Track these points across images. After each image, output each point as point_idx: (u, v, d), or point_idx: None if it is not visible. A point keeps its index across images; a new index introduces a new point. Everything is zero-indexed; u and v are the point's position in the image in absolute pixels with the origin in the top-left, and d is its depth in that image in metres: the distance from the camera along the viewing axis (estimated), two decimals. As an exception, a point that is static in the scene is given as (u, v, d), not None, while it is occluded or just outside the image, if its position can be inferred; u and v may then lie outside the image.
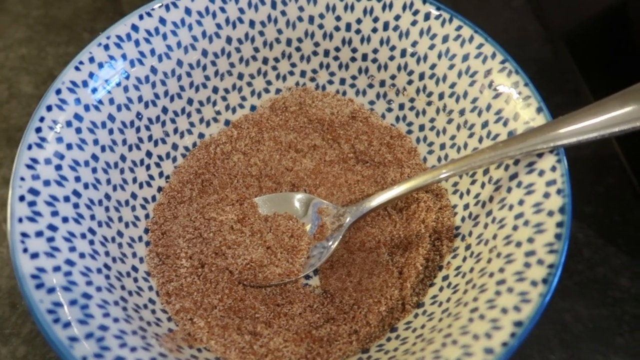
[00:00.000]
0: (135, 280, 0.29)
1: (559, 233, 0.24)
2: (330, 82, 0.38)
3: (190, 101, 0.36)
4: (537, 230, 0.25)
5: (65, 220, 0.26)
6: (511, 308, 0.22)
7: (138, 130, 0.33)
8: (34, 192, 0.25)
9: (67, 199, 0.27)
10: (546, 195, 0.25)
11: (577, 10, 0.51)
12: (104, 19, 0.52)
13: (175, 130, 0.36)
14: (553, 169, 0.26)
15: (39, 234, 0.24)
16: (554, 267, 0.23)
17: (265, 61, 0.37)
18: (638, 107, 0.25)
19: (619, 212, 0.39)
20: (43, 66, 0.48)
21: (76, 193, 0.28)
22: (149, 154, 0.34)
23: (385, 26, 0.34)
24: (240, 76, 0.37)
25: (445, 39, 0.32)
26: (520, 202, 0.27)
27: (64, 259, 0.25)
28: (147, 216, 0.33)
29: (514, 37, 0.50)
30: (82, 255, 0.26)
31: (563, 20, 0.50)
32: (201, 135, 0.37)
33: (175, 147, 0.36)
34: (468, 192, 0.32)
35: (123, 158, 0.32)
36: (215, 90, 0.37)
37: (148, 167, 0.34)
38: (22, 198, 0.25)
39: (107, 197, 0.30)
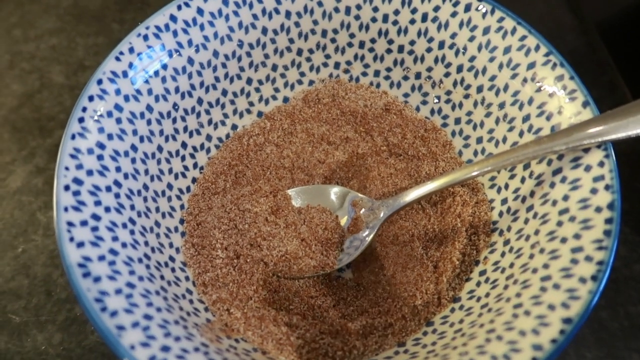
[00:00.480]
0: (173, 270, 0.30)
1: (608, 230, 0.23)
2: (364, 74, 0.38)
3: (224, 92, 0.36)
4: (584, 227, 0.24)
5: (107, 210, 0.26)
6: (559, 305, 0.22)
7: (174, 121, 0.33)
8: (78, 181, 0.26)
9: (108, 188, 0.27)
10: (593, 191, 0.25)
11: (612, 1, 0.50)
12: (132, 10, 0.52)
13: (210, 122, 0.36)
14: (601, 164, 0.25)
15: (84, 223, 0.25)
16: (604, 264, 0.22)
17: (299, 52, 0.37)
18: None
19: (657, 209, 0.38)
20: (73, 56, 0.48)
21: (117, 183, 0.28)
22: (184, 145, 0.34)
23: (424, 17, 0.34)
24: (274, 67, 0.37)
25: (486, 30, 0.32)
26: (565, 198, 0.26)
27: (107, 248, 0.25)
28: (182, 207, 0.33)
29: (548, 29, 0.49)
30: (124, 245, 0.26)
31: (598, 12, 0.49)
32: (234, 127, 0.37)
33: (209, 138, 0.36)
34: (507, 186, 0.32)
35: (160, 149, 0.32)
36: (249, 81, 0.37)
37: (183, 158, 0.34)
38: (67, 187, 0.25)
39: (145, 187, 0.30)
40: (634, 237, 0.38)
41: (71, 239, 0.24)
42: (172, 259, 0.30)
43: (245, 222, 0.33)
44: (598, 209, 0.24)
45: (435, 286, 0.31)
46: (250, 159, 0.36)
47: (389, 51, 0.36)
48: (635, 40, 0.47)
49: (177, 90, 0.32)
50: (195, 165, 0.35)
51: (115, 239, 0.26)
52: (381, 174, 0.36)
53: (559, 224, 0.26)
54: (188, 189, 0.34)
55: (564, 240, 0.25)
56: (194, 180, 0.35)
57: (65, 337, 0.34)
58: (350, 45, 0.37)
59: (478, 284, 0.30)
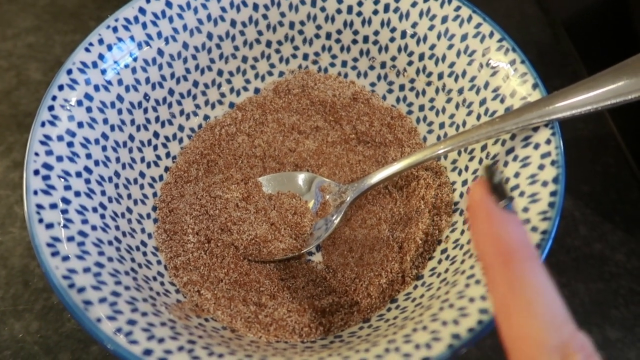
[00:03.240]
0: (145, 254, 0.31)
1: (552, 202, 0.25)
2: (332, 65, 0.39)
3: (195, 83, 0.37)
4: (531, 200, 0.26)
5: (77, 194, 0.27)
6: (506, 272, 0.23)
7: (146, 111, 0.34)
8: (47, 166, 0.27)
9: (79, 174, 0.28)
10: (541, 167, 0.26)
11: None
12: (110, 7, 0.53)
13: (182, 112, 0.37)
14: (548, 141, 0.27)
15: (53, 206, 0.25)
16: (547, 232, 0.24)
17: (268, 44, 0.38)
18: (630, 80, 0.26)
19: (616, 190, 0.40)
20: (51, 54, 0.49)
21: (87, 169, 0.29)
22: (156, 135, 0.35)
23: (386, 8, 0.35)
24: (244, 59, 0.38)
25: (444, 19, 0.33)
26: (516, 175, 0.28)
27: (77, 230, 0.26)
28: (154, 194, 0.34)
29: (514, 21, 0.51)
30: (94, 228, 0.27)
31: (562, 5, 0.51)
32: (206, 117, 0.38)
33: (181, 128, 0.37)
34: (466, 168, 0.33)
35: (131, 138, 0.33)
36: (220, 73, 0.38)
37: (155, 147, 0.35)
38: (36, 172, 0.26)
39: (117, 174, 0.31)
40: (594, 217, 0.39)
41: (40, 220, 0.25)
42: (144, 243, 0.31)
43: (216, 207, 0.34)
44: (544, 183, 0.26)
45: (400, 265, 0.32)
46: (222, 149, 0.37)
47: (354, 42, 0.38)
48: (598, 31, 0.49)
49: (147, 81, 0.33)
50: (167, 155, 0.36)
51: (84, 221, 0.26)
52: (350, 161, 0.38)
53: (511, 199, 0.27)
54: (161, 177, 0.35)
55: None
56: (166, 169, 0.36)
57: (43, 325, 0.35)
58: (317, 36, 0.38)
59: (439, 261, 0.31)
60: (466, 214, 0.31)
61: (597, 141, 0.43)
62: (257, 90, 0.40)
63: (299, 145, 0.38)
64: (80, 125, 0.29)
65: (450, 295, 0.25)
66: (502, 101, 0.30)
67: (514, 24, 0.51)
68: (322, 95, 0.39)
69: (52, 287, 0.23)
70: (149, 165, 0.34)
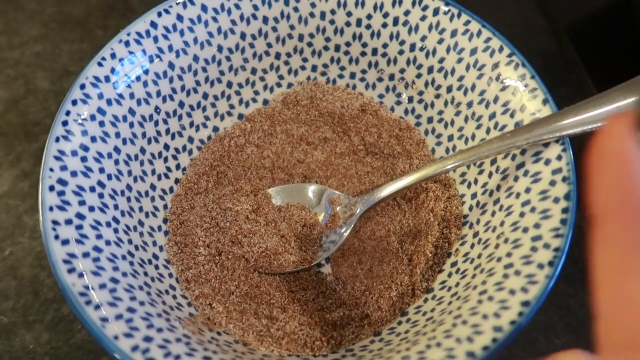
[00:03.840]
0: (157, 267, 0.31)
1: (564, 218, 0.25)
2: (341, 76, 0.40)
3: (205, 95, 0.37)
4: (543, 217, 0.26)
5: (91, 209, 0.27)
6: (519, 289, 0.24)
7: (157, 123, 0.34)
8: (62, 182, 0.27)
9: (92, 189, 0.28)
10: (552, 183, 0.27)
11: (581, 3, 0.52)
12: (116, 16, 0.53)
13: (191, 124, 0.37)
14: (559, 157, 0.27)
15: (69, 222, 0.26)
16: (560, 250, 0.24)
17: (277, 56, 0.38)
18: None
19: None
20: (58, 62, 0.49)
21: (100, 184, 0.29)
22: (166, 147, 0.35)
23: (395, 21, 0.35)
24: (254, 71, 0.38)
25: (453, 33, 0.33)
26: (527, 190, 0.28)
27: (92, 245, 0.26)
28: (165, 207, 0.35)
29: (519, 31, 0.51)
30: (108, 243, 0.27)
31: (567, 14, 0.51)
32: (216, 129, 0.38)
33: (191, 140, 0.37)
34: (476, 181, 0.33)
35: (143, 150, 0.33)
36: (229, 84, 0.38)
37: (166, 160, 0.35)
38: (51, 188, 0.26)
39: (129, 188, 0.31)
40: (600, 228, 0.39)
41: (56, 237, 0.25)
42: (155, 256, 0.31)
43: (226, 220, 0.34)
44: (556, 200, 0.26)
45: (410, 278, 0.32)
46: (231, 160, 0.38)
47: (363, 54, 0.38)
48: (602, 40, 0.49)
49: (158, 94, 0.34)
50: (177, 167, 0.36)
51: (99, 236, 0.27)
52: (358, 172, 0.38)
53: (522, 215, 0.27)
54: (171, 189, 0.35)
55: (525, 230, 0.26)
56: (176, 181, 0.36)
57: (53, 336, 0.35)
58: (326, 48, 0.38)
59: (449, 274, 0.31)
60: (475, 228, 0.31)
61: (603, 152, 0.43)
62: (265, 102, 0.40)
63: (308, 157, 0.38)
64: (93, 139, 0.29)
65: (462, 311, 0.25)
66: (512, 116, 0.31)
67: (519, 33, 0.51)
68: (331, 107, 0.39)
69: (70, 305, 0.23)
70: (159, 178, 0.35)
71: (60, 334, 0.35)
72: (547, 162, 0.27)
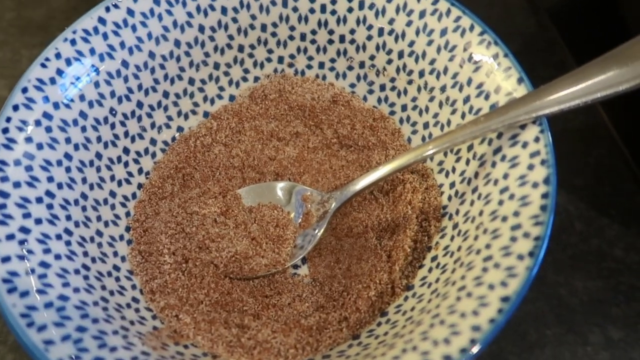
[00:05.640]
0: (117, 279, 0.29)
1: (544, 205, 0.23)
2: (309, 67, 0.38)
3: (166, 94, 0.35)
4: (522, 204, 0.24)
5: (38, 221, 0.25)
6: (498, 284, 0.22)
7: (113, 126, 0.32)
8: (3, 194, 0.25)
9: (39, 200, 0.26)
10: (530, 167, 0.25)
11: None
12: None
13: (153, 125, 0.35)
14: (536, 139, 0.25)
15: (10, 237, 0.24)
16: (540, 239, 0.22)
17: (240, 49, 0.36)
18: (619, 71, 0.24)
19: (610, 182, 0.39)
20: (17, 69, 0.47)
21: (49, 194, 0.27)
22: (126, 151, 0.33)
23: (361, 5, 0.33)
24: (217, 66, 0.36)
25: (422, 14, 0.31)
26: (505, 176, 0.26)
27: (38, 261, 0.24)
28: (127, 214, 0.33)
29: (498, 11, 0.49)
30: (57, 257, 0.25)
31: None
32: (180, 129, 0.36)
33: (153, 142, 0.35)
34: (454, 170, 0.31)
35: (99, 156, 0.31)
36: (191, 81, 0.36)
37: (126, 164, 0.33)
38: (-10, 201, 0.24)
39: (84, 196, 0.29)
40: (589, 212, 0.38)
41: (-5, 255, 0.23)
42: (116, 268, 0.29)
43: (193, 225, 0.32)
44: (535, 185, 0.24)
45: (389, 275, 0.30)
46: (198, 161, 0.36)
47: (330, 42, 0.36)
48: (584, 18, 0.47)
49: (112, 94, 0.32)
50: (140, 171, 0.34)
51: (47, 251, 0.25)
52: (333, 167, 0.36)
53: (500, 202, 0.25)
54: (134, 195, 0.33)
55: (504, 219, 0.24)
56: (139, 186, 0.34)
57: (17, 357, 0.33)
58: (291, 38, 0.36)
59: (430, 270, 0.29)
60: (455, 219, 0.30)
61: (588, 132, 0.41)
62: (232, 98, 0.38)
63: (279, 153, 0.36)
64: (39, 146, 0.27)
65: (441, 310, 0.23)
66: (486, 98, 0.29)
67: (497, 14, 0.49)
68: (301, 99, 0.37)
69: (9, 327, 0.21)
70: (120, 184, 0.33)
71: (24, 356, 0.33)
72: (525, 145, 0.26)
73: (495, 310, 0.21)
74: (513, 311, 0.21)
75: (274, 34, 0.36)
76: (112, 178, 0.32)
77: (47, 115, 0.28)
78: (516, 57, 0.28)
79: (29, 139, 0.27)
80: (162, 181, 0.34)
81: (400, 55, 0.33)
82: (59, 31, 0.50)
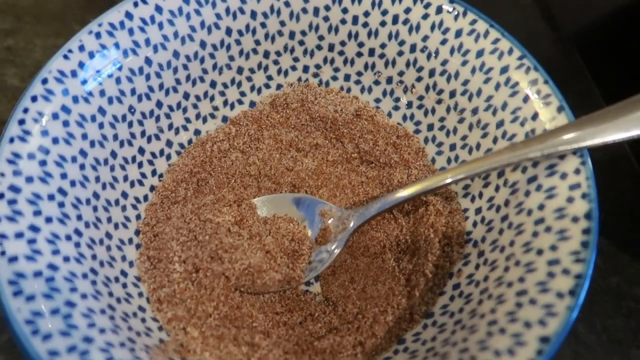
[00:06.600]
0: (125, 285, 0.27)
1: (585, 241, 0.22)
2: (335, 79, 0.37)
3: (186, 95, 0.34)
4: (560, 237, 0.23)
5: (48, 220, 0.24)
6: (535, 322, 0.21)
7: (130, 125, 0.31)
8: (14, 189, 0.23)
9: (51, 197, 0.25)
10: (570, 200, 0.24)
11: (586, 9, 0.50)
12: (96, 10, 0.49)
13: (170, 126, 0.34)
14: (577, 171, 0.24)
15: (19, 235, 0.22)
16: (582, 277, 0.21)
17: (266, 55, 0.35)
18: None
19: (632, 218, 0.38)
20: (30, 58, 0.46)
21: (62, 191, 0.25)
22: (141, 151, 0.32)
23: (395, 19, 0.33)
24: (240, 70, 0.35)
25: (458, 33, 0.31)
26: (541, 207, 0.25)
27: (46, 262, 0.22)
28: (138, 217, 0.31)
29: (522, 37, 0.48)
30: (66, 259, 0.24)
31: (572, 20, 0.49)
32: (197, 132, 0.35)
33: (169, 144, 0.34)
34: (480, 195, 0.30)
35: (114, 154, 0.30)
36: (213, 84, 0.35)
37: (140, 165, 0.32)
38: (1, 196, 0.23)
39: (96, 195, 0.28)
40: (609, 247, 0.37)
41: (2, 253, 0.21)
42: (124, 273, 0.28)
43: (205, 233, 0.31)
44: (575, 219, 0.23)
45: (408, 301, 0.29)
46: (213, 166, 0.34)
47: (359, 54, 0.35)
48: (608, 48, 0.47)
49: (133, 92, 0.30)
50: (154, 173, 0.33)
51: (56, 252, 0.23)
52: (352, 182, 0.35)
53: (535, 234, 0.24)
54: (145, 197, 0.32)
55: (539, 252, 0.23)
56: (152, 188, 0.33)
57: (9, 358, 0.31)
58: (319, 47, 0.35)
59: (452, 298, 0.28)
60: (480, 247, 0.28)
61: (610, 165, 0.40)
62: (252, 104, 0.37)
63: (297, 164, 0.35)
64: (55, 141, 0.26)
65: (470, 345, 0.22)
66: (522, 124, 0.28)
67: (522, 40, 0.48)
68: (323, 111, 0.36)
69: (13, 335, 0.20)
70: (132, 185, 0.31)
71: (17, 357, 0.31)
72: (564, 176, 0.25)
73: (534, 351, 0.20)
74: (552, 354, 0.19)
75: (301, 42, 0.35)
76: (125, 178, 0.31)
77: (65, 109, 0.27)
78: (556, 84, 0.27)
79: (44, 132, 0.26)
80: (175, 185, 0.33)
81: (432, 73, 0.32)
82: (75, 22, 0.49)
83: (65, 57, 0.27)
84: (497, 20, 0.52)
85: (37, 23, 0.48)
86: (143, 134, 0.32)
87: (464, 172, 0.27)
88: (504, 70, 0.29)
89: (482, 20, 0.30)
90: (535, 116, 0.27)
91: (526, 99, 0.28)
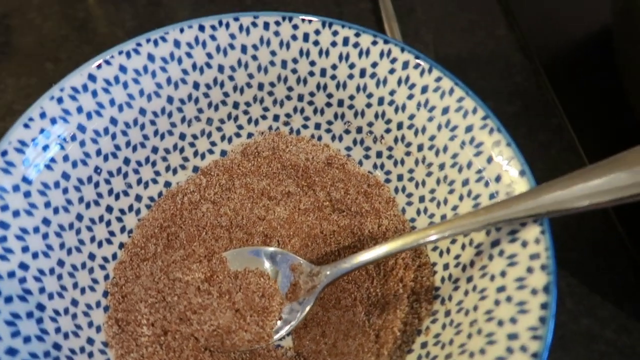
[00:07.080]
0: (90, 355, 0.27)
1: (543, 316, 0.22)
2: (305, 127, 0.37)
3: (155, 149, 0.34)
4: (520, 310, 0.23)
5: (8, 300, 0.24)
6: (493, 403, 0.21)
7: (97, 185, 0.31)
8: (-28, 272, 0.23)
9: (11, 274, 0.24)
10: (529, 270, 0.24)
11: (558, 40, 0.50)
12: (69, 48, 0.49)
13: (139, 181, 0.34)
14: (537, 241, 0.24)
15: (-24, 322, 0.22)
16: (538, 356, 0.21)
17: (235, 105, 0.35)
18: (629, 174, 0.24)
19: (604, 257, 0.38)
20: (1, 99, 0.45)
21: (23, 266, 0.25)
22: (109, 209, 0.32)
23: (362, 73, 0.33)
24: (209, 121, 0.35)
25: (424, 89, 0.31)
26: (503, 274, 0.25)
27: (4, 348, 0.22)
28: (106, 277, 0.31)
29: (499, 69, 0.49)
30: (26, 340, 0.23)
31: (544, 51, 0.49)
32: (167, 184, 0.35)
33: (139, 198, 0.34)
34: (448, 250, 0.30)
35: (80, 217, 0.30)
36: (182, 136, 0.35)
37: (108, 223, 0.32)
38: (-43, 281, 0.22)
39: (61, 263, 0.28)
40: (581, 288, 0.37)
41: (-43, 345, 0.21)
42: (90, 341, 0.28)
43: (174, 293, 0.31)
44: (534, 291, 0.23)
45: (376, 358, 0.29)
46: (184, 219, 0.34)
47: (328, 105, 0.35)
48: (580, 81, 0.47)
49: (98, 153, 0.30)
50: (122, 229, 0.33)
51: (15, 334, 0.23)
52: (323, 232, 0.35)
53: (497, 302, 0.25)
54: (114, 256, 0.32)
55: (500, 323, 0.24)
56: (121, 245, 0.32)
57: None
58: (288, 98, 0.35)
59: (419, 357, 0.28)
60: (447, 305, 0.29)
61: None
62: (224, 153, 0.37)
63: (269, 213, 0.35)
64: (15, 214, 0.26)
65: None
66: (486, 185, 0.28)
67: (498, 72, 0.49)
68: (294, 159, 0.36)
69: None
70: (100, 245, 0.31)
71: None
72: (524, 244, 0.25)
73: None
74: None
75: (270, 93, 0.35)
76: (92, 239, 0.31)
77: (26, 180, 0.26)
78: (518, 147, 0.27)
79: (4, 207, 0.25)
80: (145, 240, 0.33)
81: (400, 126, 0.33)
82: (47, 60, 0.48)
83: (26, 125, 0.27)
84: (474, 52, 0.53)
85: (8, 62, 0.48)
86: (110, 192, 0.32)
87: (435, 234, 0.26)
88: (469, 129, 0.29)
89: (447, 77, 0.30)
90: (498, 178, 0.27)
91: (490, 159, 0.28)
